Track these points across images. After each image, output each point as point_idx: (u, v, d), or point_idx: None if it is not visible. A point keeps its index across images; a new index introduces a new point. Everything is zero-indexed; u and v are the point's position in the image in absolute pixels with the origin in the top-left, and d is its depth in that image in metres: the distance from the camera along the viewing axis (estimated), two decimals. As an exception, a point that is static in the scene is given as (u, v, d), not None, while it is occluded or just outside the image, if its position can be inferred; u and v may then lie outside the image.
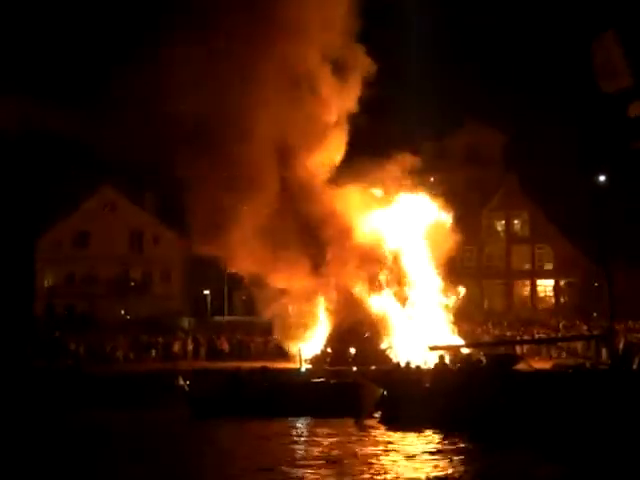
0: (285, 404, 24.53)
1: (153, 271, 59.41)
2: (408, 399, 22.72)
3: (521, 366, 24.14)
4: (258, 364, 29.56)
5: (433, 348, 27.06)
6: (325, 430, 22.09)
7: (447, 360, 25.30)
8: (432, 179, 38.21)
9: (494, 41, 54.60)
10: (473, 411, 21.08)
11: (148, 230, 58.93)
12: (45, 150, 53.27)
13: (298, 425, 23.56)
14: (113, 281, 58.17)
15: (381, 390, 24.27)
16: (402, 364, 25.40)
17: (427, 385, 23.58)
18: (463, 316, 35.44)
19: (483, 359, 25.09)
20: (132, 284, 58.22)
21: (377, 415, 23.79)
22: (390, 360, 31.03)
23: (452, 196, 36.54)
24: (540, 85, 53.71)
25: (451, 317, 33.64)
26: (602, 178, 29.44)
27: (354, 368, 29.87)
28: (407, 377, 24.12)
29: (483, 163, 60.21)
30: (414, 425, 21.50)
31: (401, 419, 22.31)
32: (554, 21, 52.08)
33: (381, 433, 21.76)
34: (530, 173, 55.06)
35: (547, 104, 52.27)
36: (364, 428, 22.38)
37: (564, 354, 33.56)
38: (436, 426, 21.28)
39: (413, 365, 25.02)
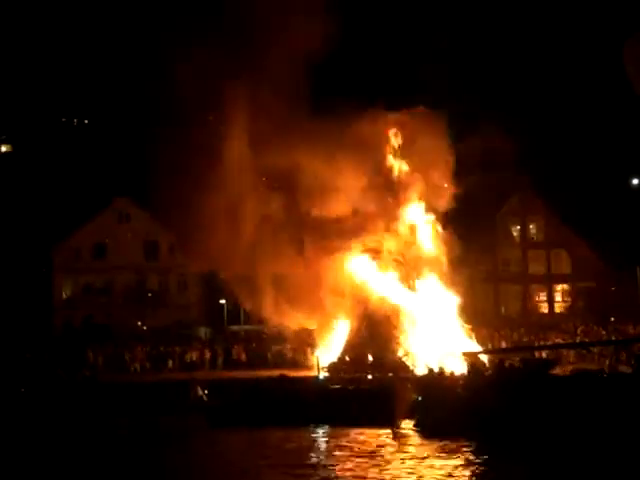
0: (304, 412, 24.44)
1: (169, 281, 59.50)
2: (443, 406, 22.42)
3: (557, 371, 24.02)
4: (275, 373, 29.53)
5: (467, 354, 26.82)
6: (341, 439, 21.98)
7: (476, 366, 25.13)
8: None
9: (510, 42, 54.23)
10: (511, 417, 20.75)
11: (163, 240, 58.97)
12: (59, 158, 53.62)
13: (317, 434, 23.49)
14: (130, 291, 58.28)
15: (415, 396, 23.92)
16: (435, 370, 25.06)
17: (460, 391, 23.30)
18: (480, 321, 35.19)
19: (517, 364, 24.79)
20: (149, 294, 58.29)
21: (407, 422, 23.48)
22: (407, 367, 30.84)
23: (467, 200, 36.33)
24: (557, 88, 53.43)
25: (468, 322, 33.34)
26: (635, 181, 29.33)
27: (369, 376, 29.68)
28: (441, 383, 23.77)
29: (498, 167, 59.86)
30: (450, 432, 21.06)
31: (436, 426, 21.88)
32: (572, 22, 51.73)
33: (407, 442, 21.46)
34: (545, 177, 54.76)
35: (564, 107, 52.10)
36: (399, 435, 22.17)
37: (586, 358, 33.40)
38: (472, 433, 20.88)
39: (447, 371, 24.72)
